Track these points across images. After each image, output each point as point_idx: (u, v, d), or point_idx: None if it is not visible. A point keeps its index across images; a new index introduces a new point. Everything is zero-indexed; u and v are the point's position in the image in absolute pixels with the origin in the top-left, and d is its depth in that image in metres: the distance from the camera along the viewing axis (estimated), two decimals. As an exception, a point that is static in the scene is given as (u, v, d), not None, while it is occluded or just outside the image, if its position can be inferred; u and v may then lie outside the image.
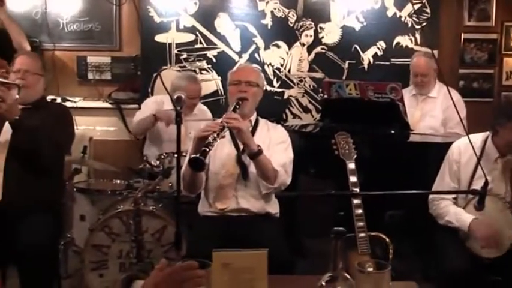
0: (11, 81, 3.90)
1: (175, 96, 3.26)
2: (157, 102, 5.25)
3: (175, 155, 4.46)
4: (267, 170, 3.64)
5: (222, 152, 3.71)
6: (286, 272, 3.30)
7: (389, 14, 5.92)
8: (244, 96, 3.74)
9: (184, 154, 4.38)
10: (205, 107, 5.30)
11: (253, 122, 3.87)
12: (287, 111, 5.98)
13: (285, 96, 5.97)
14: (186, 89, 4.83)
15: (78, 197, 4.68)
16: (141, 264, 3.96)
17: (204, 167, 3.40)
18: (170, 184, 4.39)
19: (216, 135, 3.38)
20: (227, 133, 3.60)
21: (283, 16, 5.90)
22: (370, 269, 2.32)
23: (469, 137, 3.39)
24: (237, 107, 3.66)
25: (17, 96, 3.83)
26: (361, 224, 3.08)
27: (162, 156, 4.54)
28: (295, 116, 5.97)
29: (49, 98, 5.14)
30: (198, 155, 3.29)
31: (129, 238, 4.13)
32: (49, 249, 3.86)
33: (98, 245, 4.21)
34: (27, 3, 6.06)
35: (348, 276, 2.09)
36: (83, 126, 5.17)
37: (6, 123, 3.80)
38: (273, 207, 3.88)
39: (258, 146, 3.59)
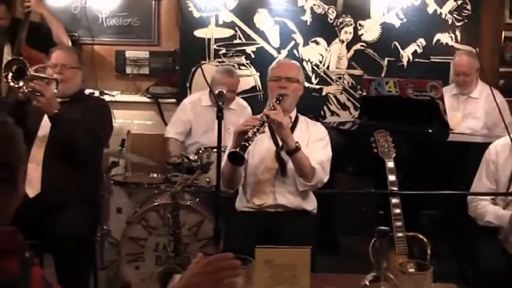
0: (49, 76, 3.93)
1: (216, 91, 3.25)
2: (193, 102, 5.28)
3: (214, 150, 4.50)
4: (304, 167, 3.62)
5: (261, 147, 3.71)
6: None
7: (430, 10, 5.85)
8: (284, 92, 3.73)
9: (223, 149, 4.41)
10: (244, 102, 5.31)
11: (293, 119, 3.85)
12: (325, 108, 5.94)
13: (323, 93, 5.94)
14: (222, 83, 4.86)
15: (115, 190, 4.72)
16: (178, 258, 3.97)
17: (243, 161, 3.40)
18: (208, 179, 4.40)
19: (256, 130, 3.38)
20: (267, 128, 3.58)
21: (323, 12, 5.86)
22: (412, 270, 2.29)
23: (510, 137, 3.33)
24: (278, 102, 3.64)
25: (55, 91, 3.87)
26: (399, 223, 3.06)
27: (200, 151, 4.55)
28: (333, 113, 5.93)
29: (87, 91, 5.17)
30: (237, 149, 3.29)
31: (165, 232, 4.15)
32: (86, 240, 3.90)
33: (134, 238, 4.23)
34: (66, -2, 6.12)
35: (392, 277, 2.07)
36: (120, 119, 5.21)
37: (45, 117, 3.84)
38: (310, 204, 3.86)
39: (297, 142, 3.58)
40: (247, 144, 3.32)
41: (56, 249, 3.64)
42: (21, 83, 3.69)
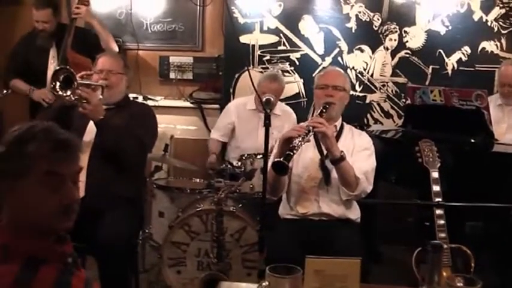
0: (95, 82, 3.96)
1: (264, 99, 3.25)
2: (239, 105, 5.29)
3: (258, 157, 4.51)
4: (348, 177, 3.60)
5: (306, 155, 3.69)
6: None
7: (475, 17, 5.77)
8: (331, 100, 3.71)
9: (261, 156, 4.42)
10: (289, 108, 5.30)
11: (338, 127, 3.84)
12: (368, 116, 5.91)
13: (367, 101, 5.90)
14: (266, 88, 4.88)
15: (157, 194, 4.74)
16: (220, 264, 3.97)
17: (287, 171, 3.37)
18: (251, 185, 4.41)
19: (301, 139, 3.36)
20: (312, 137, 3.56)
21: (368, 20, 5.83)
22: (460, 284, 2.26)
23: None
24: (324, 111, 3.63)
25: (101, 97, 3.91)
26: (443, 235, 3.03)
27: (244, 157, 4.55)
28: (376, 121, 5.89)
29: (131, 96, 5.22)
30: (281, 159, 3.28)
31: (208, 237, 4.16)
32: (129, 243, 3.93)
33: (176, 242, 4.24)
34: (111, 4, 6.20)
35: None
36: (163, 124, 5.24)
37: (91, 123, 3.88)
38: (354, 213, 3.84)
39: (341, 151, 3.56)
40: (291, 153, 3.30)
41: (99, 252, 3.67)
42: (68, 92, 3.73)
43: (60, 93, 3.75)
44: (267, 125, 3.14)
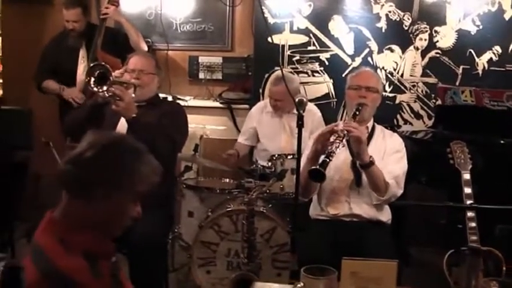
0: (128, 81, 3.99)
1: (296, 100, 3.24)
2: (259, 108, 5.30)
3: (288, 157, 4.50)
4: (378, 182, 3.59)
5: (338, 157, 3.63)
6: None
7: (507, 17, 5.69)
8: (363, 102, 3.70)
9: (292, 156, 4.41)
10: (314, 107, 5.26)
11: (369, 129, 3.82)
12: (398, 116, 5.86)
13: (397, 101, 5.85)
14: (269, 92, 5.07)
15: (187, 194, 4.76)
16: (251, 264, 3.97)
17: (325, 178, 3.35)
18: (281, 186, 4.40)
19: (337, 144, 3.36)
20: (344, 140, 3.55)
21: (398, 19, 5.79)
22: (496, 289, 2.24)
23: None
24: (357, 113, 3.62)
25: (133, 95, 3.93)
26: (474, 237, 3.00)
27: (274, 158, 4.55)
28: (406, 121, 5.84)
29: (161, 96, 5.25)
30: (318, 167, 3.27)
31: (238, 237, 4.17)
32: (160, 242, 3.96)
33: (206, 242, 4.26)
34: (141, 4, 6.22)
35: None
36: (193, 124, 5.24)
37: (122, 120, 3.90)
38: (385, 215, 3.82)
39: (370, 157, 3.54)
40: (328, 160, 3.30)
41: (131, 251, 3.69)
42: (104, 88, 3.75)
43: (94, 88, 3.77)
44: (300, 125, 3.13)
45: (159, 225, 3.86)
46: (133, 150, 2.10)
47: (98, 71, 3.79)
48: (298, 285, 2.29)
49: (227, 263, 4.27)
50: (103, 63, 3.89)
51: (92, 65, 3.94)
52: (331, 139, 3.43)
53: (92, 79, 3.77)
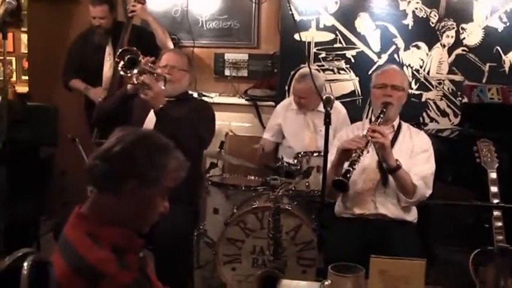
0: (158, 72, 3.99)
1: (324, 97, 3.23)
2: (284, 106, 5.30)
3: (314, 154, 4.50)
4: (405, 185, 3.57)
5: (364, 158, 3.61)
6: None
7: (534, 14, 5.66)
8: (389, 100, 3.68)
9: (322, 154, 4.39)
10: (339, 105, 5.24)
11: (395, 127, 3.80)
12: (424, 114, 5.83)
13: (423, 99, 5.81)
14: (293, 89, 5.06)
15: (212, 191, 4.78)
16: (277, 261, 3.98)
17: (348, 188, 3.36)
18: (307, 183, 4.40)
19: (360, 152, 3.35)
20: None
21: (425, 16, 5.74)
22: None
23: None
24: (381, 116, 3.60)
25: (163, 88, 3.94)
26: (500, 237, 2.98)
27: (300, 155, 4.54)
28: (432, 119, 5.79)
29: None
30: (341, 178, 3.27)
31: (263, 234, 4.18)
32: (186, 238, 3.98)
33: (232, 239, 4.27)
34: (167, 2, 6.25)
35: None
36: (219, 121, 5.21)
37: (151, 113, 3.92)
38: (411, 215, 3.81)
39: (397, 160, 3.52)
40: (351, 169, 3.30)
41: (157, 247, 3.71)
42: (134, 71, 3.77)
43: (123, 73, 3.80)
44: (327, 123, 3.12)
45: (185, 222, 3.89)
46: (162, 146, 2.13)
47: (128, 56, 3.81)
48: (326, 283, 2.29)
49: (252, 260, 4.28)
50: (134, 48, 3.90)
51: (121, 49, 3.95)
52: (354, 147, 3.42)
53: (122, 63, 3.80)
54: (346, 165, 3.40)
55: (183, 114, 3.95)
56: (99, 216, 2.06)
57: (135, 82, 3.80)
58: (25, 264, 1.77)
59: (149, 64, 3.92)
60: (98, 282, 1.92)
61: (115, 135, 2.12)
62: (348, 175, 3.28)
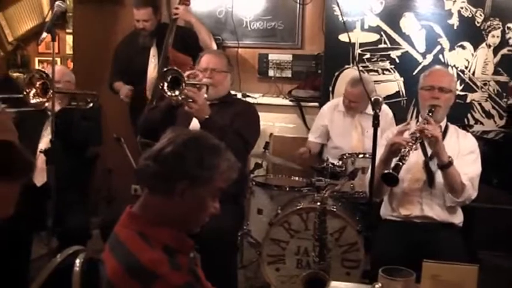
0: (200, 82, 4.00)
1: (372, 99, 3.23)
2: (331, 107, 5.29)
3: (359, 156, 4.49)
4: (455, 183, 3.55)
5: (410, 157, 3.59)
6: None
7: None
8: (436, 103, 3.67)
9: (368, 155, 4.39)
10: (386, 107, 5.22)
11: (442, 129, 3.78)
12: (469, 115, 5.76)
13: (468, 100, 5.74)
14: (346, 93, 5.01)
15: (256, 191, 4.80)
16: (322, 263, 3.98)
17: (398, 182, 3.35)
18: (352, 185, 4.39)
19: (410, 147, 3.34)
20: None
21: (470, 16, 5.67)
22: None
23: None
24: (430, 114, 3.59)
25: (206, 96, 3.96)
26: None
27: (345, 156, 4.54)
28: (477, 121, 5.72)
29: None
30: (391, 171, 3.27)
31: (307, 235, 4.19)
32: (231, 238, 4.00)
33: (276, 240, 4.28)
34: (211, 3, 6.27)
35: None
36: (263, 122, 5.28)
37: (194, 121, 3.95)
38: (457, 218, 3.80)
39: (449, 157, 3.50)
40: (401, 163, 3.30)
41: (204, 246, 3.74)
42: (176, 92, 3.78)
43: (168, 93, 3.81)
44: (376, 125, 3.12)
45: (231, 222, 3.92)
46: (213, 147, 2.14)
47: (170, 76, 3.81)
48: (377, 286, 2.30)
49: (296, 261, 4.28)
50: (175, 68, 3.91)
51: (164, 70, 3.98)
52: (404, 142, 3.41)
53: (165, 84, 3.81)
54: (394, 160, 3.39)
55: (227, 120, 3.99)
56: (151, 216, 2.08)
57: (180, 99, 3.81)
58: (77, 261, 1.81)
59: (190, 76, 3.94)
60: (151, 283, 1.94)
61: (167, 136, 2.14)
62: (398, 169, 3.27)
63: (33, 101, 3.94)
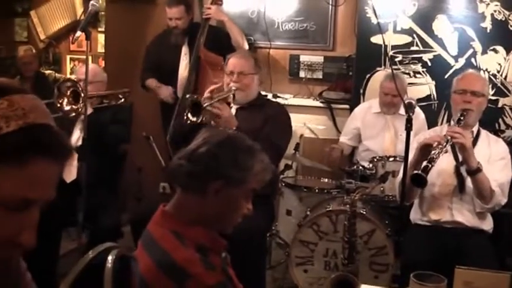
0: (225, 94, 3.98)
1: (406, 102, 3.22)
2: (363, 109, 5.27)
3: (389, 159, 4.47)
4: (483, 190, 3.53)
5: (441, 161, 3.58)
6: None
7: None
8: (468, 107, 3.65)
9: (398, 158, 4.38)
10: (417, 109, 5.17)
11: (474, 133, 3.76)
12: (500, 120, 5.70)
13: (499, 105, 5.67)
14: (385, 88, 4.94)
15: (285, 192, 4.80)
16: (350, 266, 3.97)
17: (426, 183, 3.34)
18: (382, 188, 4.38)
19: (439, 150, 3.33)
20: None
21: (503, 19, 5.61)
22: None
23: None
24: (461, 118, 3.57)
25: (232, 105, 3.98)
26: None
27: (375, 159, 4.53)
28: (508, 126, 5.64)
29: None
30: (420, 172, 3.25)
31: (336, 238, 4.19)
32: (261, 239, 4.01)
33: (305, 241, 4.29)
34: (243, 3, 6.30)
35: None
36: (293, 123, 5.29)
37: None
38: (487, 224, 3.78)
39: (478, 163, 3.48)
40: (430, 165, 3.28)
41: (234, 246, 3.75)
42: (200, 117, 3.78)
43: (193, 119, 3.79)
44: (408, 128, 3.11)
45: (262, 223, 3.93)
46: (248, 147, 2.15)
47: (190, 102, 3.82)
48: (408, 291, 2.30)
49: (325, 263, 4.29)
50: (194, 96, 3.93)
51: (183, 98, 3.97)
52: (434, 145, 3.40)
53: (189, 112, 3.81)
54: (424, 162, 3.38)
55: (259, 125, 3.97)
56: (184, 215, 2.10)
57: (205, 119, 3.81)
58: (109, 258, 1.83)
59: (215, 90, 3.94)
60: (184, 281, 1.96)
61: (201, 136, 2.16)
62: (426, 170, 3.26)
63: (66, 108, 3.97)
